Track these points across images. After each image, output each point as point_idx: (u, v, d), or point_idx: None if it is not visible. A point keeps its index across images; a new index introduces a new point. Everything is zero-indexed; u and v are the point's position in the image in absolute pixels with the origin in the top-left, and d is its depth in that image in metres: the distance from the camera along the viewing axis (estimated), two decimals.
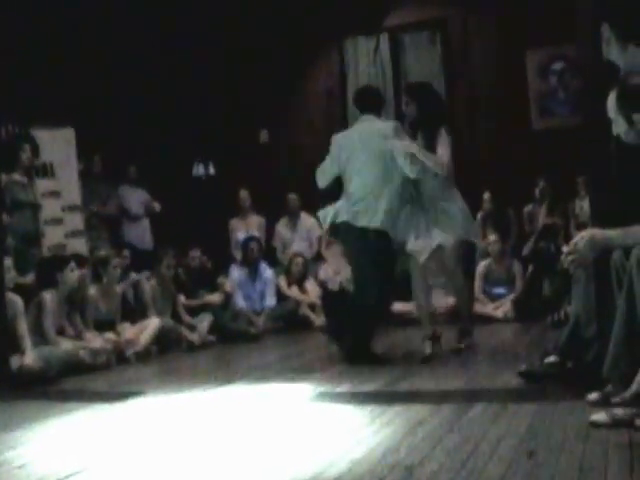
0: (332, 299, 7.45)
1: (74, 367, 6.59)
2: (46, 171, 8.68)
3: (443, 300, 9.33)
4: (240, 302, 9.45)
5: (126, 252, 8.88)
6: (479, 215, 10.16)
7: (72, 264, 7.16)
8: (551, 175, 9.63)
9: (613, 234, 3.52)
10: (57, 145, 8.82)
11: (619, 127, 3.65)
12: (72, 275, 7.12)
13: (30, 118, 8.52)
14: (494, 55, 10.68)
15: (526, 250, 9.20)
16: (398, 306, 9.39)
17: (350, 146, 6.31)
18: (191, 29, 10.91)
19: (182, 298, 8.70)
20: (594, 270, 4.10)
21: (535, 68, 10.58)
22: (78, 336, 7.13)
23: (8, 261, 6.56)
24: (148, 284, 8.28)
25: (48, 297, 6.87)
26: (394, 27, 11.30)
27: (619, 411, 3.42)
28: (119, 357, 7.24)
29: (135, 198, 10.01)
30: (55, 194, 8.70)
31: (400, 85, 11.26)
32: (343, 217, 6.28)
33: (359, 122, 6.52)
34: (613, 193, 4.20)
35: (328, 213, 6.41)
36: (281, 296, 9.71)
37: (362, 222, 6.18)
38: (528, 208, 9.98)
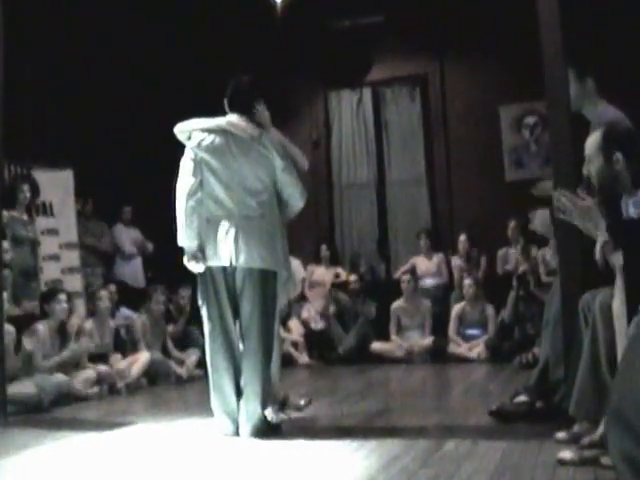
0: None
1: (67, 397, 6.55)
2: (45, 210, 8.68)
3: (420, 339, 9.36)
4: None
5: (113, 287, 8.78)
6: (454, 259, 10.17)
7: (61, 296, 7.11)
8: (522, 220, 9.63)
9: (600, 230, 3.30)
10: (56, 185, 8.81)
11: (593, 164, 3.55)
12: (60, 307, 7.07)
13: (31, 159, 8.53)
14: (470, 109, 10.75)
15: (506, 317, 9.13)
16: (376, 345, 9.41)
17: None
18: (182, 80, 10.90)
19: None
20: (562, 314, 4.12)
21: (509, 122, 10.66)
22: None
23: (4, 294, 6.52)
24: (139, 320, 8.27)
25: (41, 327, 6.83)
26: (376, 82, 11.40)
27: (586, 449, 3.41)
28: (110, 388, 7.19)
29: (128, 237, 9.95)
30: (53, 232, 8.67)
31: (382, 136, 11.39)
32: None
33: None
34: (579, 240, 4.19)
35: None
36: None
37: None
38: (502, 251, 10.00)
